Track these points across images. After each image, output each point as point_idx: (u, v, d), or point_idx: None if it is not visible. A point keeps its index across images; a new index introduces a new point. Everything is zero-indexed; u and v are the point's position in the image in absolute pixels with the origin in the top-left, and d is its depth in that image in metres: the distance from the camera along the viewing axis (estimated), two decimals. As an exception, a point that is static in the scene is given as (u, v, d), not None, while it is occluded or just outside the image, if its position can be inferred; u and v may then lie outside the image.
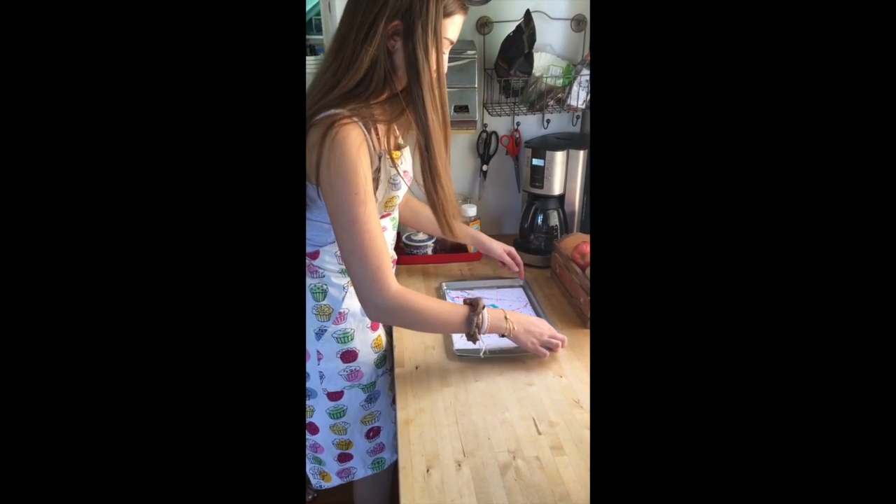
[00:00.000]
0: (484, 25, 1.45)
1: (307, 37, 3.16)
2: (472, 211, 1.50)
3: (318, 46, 3.05)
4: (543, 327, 1.05)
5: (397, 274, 1.32)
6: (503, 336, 1.02)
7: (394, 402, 1.13)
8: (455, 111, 1.39)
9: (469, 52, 1.38)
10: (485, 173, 1.59)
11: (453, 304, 0.99)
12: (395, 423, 1.10)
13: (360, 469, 1.15)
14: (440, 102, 0.92)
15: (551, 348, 1.04)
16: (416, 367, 1.05)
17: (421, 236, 1.51)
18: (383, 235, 0.91)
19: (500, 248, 1.33)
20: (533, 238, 1.49)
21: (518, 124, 1.57)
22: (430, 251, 1.49)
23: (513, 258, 1.33)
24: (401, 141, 1.04)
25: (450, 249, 1.51)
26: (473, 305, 0.98)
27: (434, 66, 0.90)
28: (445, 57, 0.94)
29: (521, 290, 1.34)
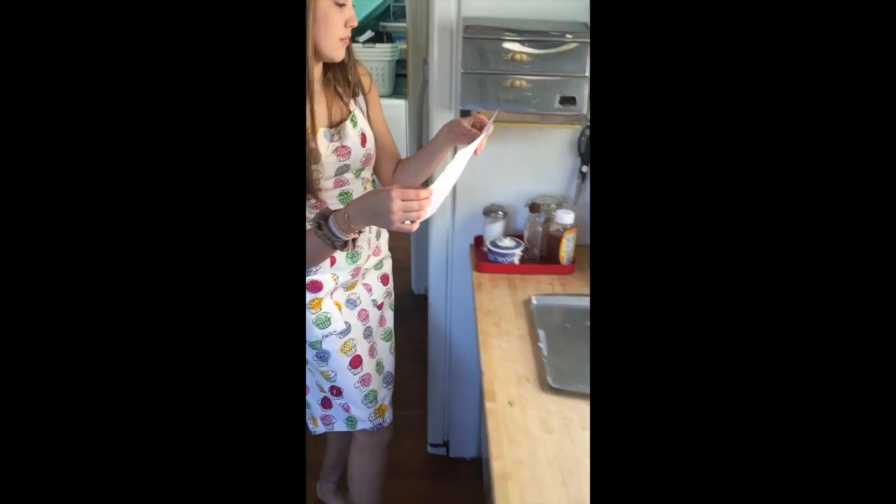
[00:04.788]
0: (598, 6, 1.26)
1: (384, 24, 3.06)
2: (568, 218, 1.31)
3: (396, 35, 2.93)
4: (388, 202, 0.83)
5: (480, 283, 1.29)
6: (351, 233, 0.88)
7: (351, 365, 1.14)
8: (560, 103, 1.21)
9: (581, 34, 1.20)
10: (584, 175, 1.40)
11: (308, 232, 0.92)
12: (357, 387, 1.16)
13: (339, 421, 1.23)
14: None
15: (413, 215, 0.84)
16: (510, 404, 0.88)
17: (507, 242, 1.33)
18: None
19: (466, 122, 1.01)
20: (637, 254, 1.29)
21: (626, 122, 1.37)
22: (516, 260, 1.32)
23: (479, 124, 1.00)
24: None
25: (538, 260, 1.33)
26: (319, 224, 0.89)
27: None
28: None
29: None
